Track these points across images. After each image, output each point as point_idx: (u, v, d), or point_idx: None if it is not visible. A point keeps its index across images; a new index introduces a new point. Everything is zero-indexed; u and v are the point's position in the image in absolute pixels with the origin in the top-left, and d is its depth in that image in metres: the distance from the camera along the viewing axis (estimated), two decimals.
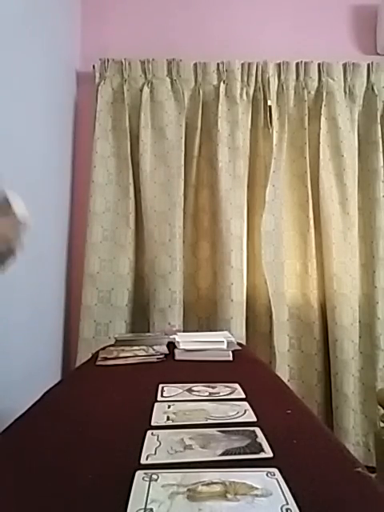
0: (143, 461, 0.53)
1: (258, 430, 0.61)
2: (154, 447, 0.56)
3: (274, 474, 0.48)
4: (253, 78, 1.99)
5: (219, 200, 1.89)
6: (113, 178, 1.96)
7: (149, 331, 1.82)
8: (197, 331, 1.81)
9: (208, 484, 0.46)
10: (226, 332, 1.40)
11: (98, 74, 1.98)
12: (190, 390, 0.83)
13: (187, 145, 1.96)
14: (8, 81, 1.30)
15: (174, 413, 0.70)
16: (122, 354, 1.19)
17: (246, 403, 0.74)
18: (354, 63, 2.02)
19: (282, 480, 0.47)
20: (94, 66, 1.99)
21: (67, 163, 1.97)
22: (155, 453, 0.55)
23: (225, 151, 1.93)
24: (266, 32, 2.10)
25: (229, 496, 0.44)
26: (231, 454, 0.54)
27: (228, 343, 1.19)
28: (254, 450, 0.55)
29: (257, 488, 0.45)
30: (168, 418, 0.68)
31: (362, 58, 2.09)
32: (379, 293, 1.89)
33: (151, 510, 0.42)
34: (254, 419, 0.66)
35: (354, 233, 1.94)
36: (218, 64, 1.99)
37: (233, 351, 1.17)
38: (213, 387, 0.85)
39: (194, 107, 1.99)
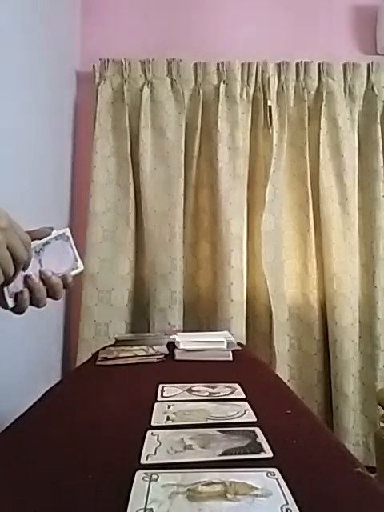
0: (143, 461, 0.53)
1: (257, 430, 0.61)
2: (154, 447, 0.56)
3: (274, 474, 0.48)
4: (253, 78, 1.99)
5: (219, 200, 1.89)
6: (113, 177, 1.96)
7: (149, 331, 1.82)
8: (197, 331, 1.81)
9: (208, 484, 0.46)
10: (225, 332, 1.40)
11: (97, 74, 1.98)
12: (190, 390, 0.83)
13: (187, 145, 1.96)
14: (8, 81, 1.30)
15: (174, 413, 0.70)
16: (122, 354, 1.19)
17: (246, 403, 0.74)
18: (353, 63, 2.02)
19: (282, 480, 0.47)
20: (93, 66, 1.99)
21: (67, 163, 1.97)
22: (155, 453, 0.55)
23: (225, 151, 1.93)
24: (266, 32, 2.10)
25: (229, 496, 0.44)
26: (231, 454, 0.54)
27: (228, 343, 1.19)
28: (254, 450, 0.55)
29: (257, 488, 0.45)
30: (168, 418, 0.68)
31: (362, 57, 2.09)
32: (379, 293, 1.89)
33: (151, 509, 0.42)
34: (254, 419, 0.66)
35: (354, 233, 1.94)
36: (217, 64, 1.99)
37: (233, 351, 1.17)
38: (213, 387, 0.85)
39: (194, 107, 1.99)
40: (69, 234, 0.65)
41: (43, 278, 0.60)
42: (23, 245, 0.53)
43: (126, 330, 1.87)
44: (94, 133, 1.94)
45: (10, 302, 0.57)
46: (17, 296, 0.57)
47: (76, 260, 0.66)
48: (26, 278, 0.58)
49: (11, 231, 0.51)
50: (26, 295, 0.58)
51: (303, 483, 0.47)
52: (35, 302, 0.59)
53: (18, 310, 0.58)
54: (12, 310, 0.58)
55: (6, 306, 0.57)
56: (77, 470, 0.52)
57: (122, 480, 0.48)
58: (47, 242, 0.62)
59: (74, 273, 0.65)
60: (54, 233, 0.64)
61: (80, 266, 0.66)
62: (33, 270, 0.59)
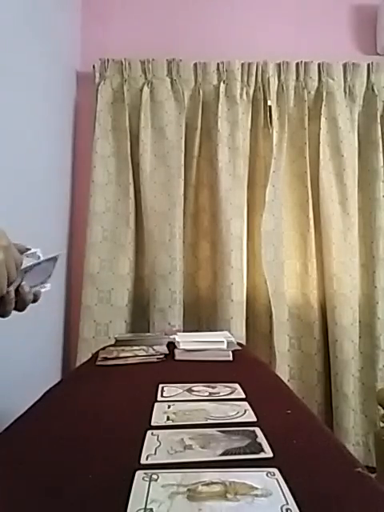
0: (143, 461, 0.53)
1: (257, 430, 0.61)
2: (154, 447, 0.56)
3: (274, 474, 0.48)
4: (253, 78, 1.99)
5: (219, 200, 1.89)
6: (113, 178, 1.96)
7: (149, 331, 1.82)
8: (197, 331, 1.81)
9: (208, 484, 0.46)
10: (225, 332, 1.40)
11: (97, 74, 1.98)
12: (190, 390, 0.83)
13: (187, 145, 1.96)
14: (8, 81, 1.30)
15: (174, 413, 0.70)
16: (122, 354, 1.19)
17: (246, 403, 0.74)
18: (353, 63, 2.02)
19: (282, 480, 0.47)
20: (94, 66, 1.99)
21: (67, 163, 1.97)
22: (155, 453, 0.55)
23: (225, 151, 1.93)
24: (266, 32, 2.10)
25: (229, 496, 0.44)
26: (231, 454, 0.54)
27: (228, 343, 1.19)
28: (254, 450, 0.55)
29: (257, 488, 0.45)
30: (168, 418, 0.68)
31: (362, 57, 2.09)
32: (379, 293, 1.89)
33: (151, 510, 0.42)
34: (254, 419, 0.66)
35: (354, 233, 1.94)
36: (218, 64, 1.99)
37: (233, 351, 1.17)
38: (213, 387, 0.85)
39: (194, 107, 1.99)
40: (58, 256, 0.66)
41: (20, 292, 0.60)
42: (15, 265, 0.56)
43: (126, 330, 1.87)
44: (93, 133, 1.94)
45: None
46: None
47: (49, 276, 0.67)
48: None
49: (9, 251, 0.54)
50: None
51: (303, 483, 0.47)
52: (1, 313, 0.60)
53: None
54: None
55: None
56: (77, 470, 0.52)
57: (122, 480, 0.48)
58: (39, 264, 0.63)
59: (43, 290, 0.66)
60: (50, 255, 0.64)
61: (48, 286, 0.67)
62: (13, 285, 0.59)
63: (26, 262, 0.61)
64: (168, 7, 2.13)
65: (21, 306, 0.61)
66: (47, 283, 0.67)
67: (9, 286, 0.56)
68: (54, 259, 0.65)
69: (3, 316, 0.60)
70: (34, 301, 0.63)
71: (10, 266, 0.54)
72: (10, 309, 0.59)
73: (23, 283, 0.60)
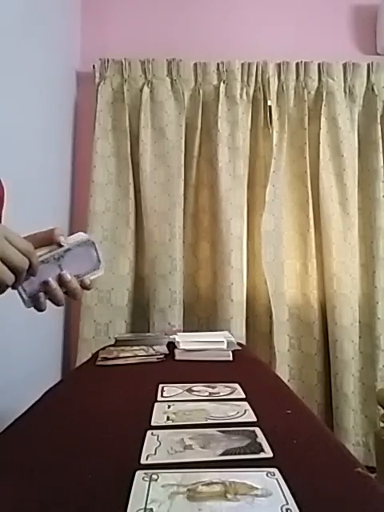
0: (143, 461, 0.53)
1: (257, 430, 0.61)
2: (154, 447, 0.56)
3: (274, 474, 0.48)
4: (253, 78, 1.99)
5: (219, 200, 1.89)
6: (113, 177, 1.96)
7: (149, 331, 1.82)
8: (197, 331, 1.81)
9: (208, 484, 0.46)
10: (225, 332, 1.40)
11: (98, 74, 1.98)
12: (190, 390, 0.83)
13: (187, 145, 1.96)
14: (8, 81, 1.30)
15: (174, 413, 0.70)
16: (122, 354, 1.19)
17: (246, 403, 0.74)
18: (354, 63, 2.02)
19: (282, 480, 0.47)
20: (94, 66, 1.99)
21: (67, 163, 1.97)
22: (155, 453, 0.55)
23: (225, 151, 1.93)
24: (266, 32, 2.10)
25: (229, 496, 0.44)
26: (231, 454, 0.54)
27: (228, 343, 1.19)
28: (254, 450, 0.55)
29: (257, 488, 0.45)
30: (168, 418, 0.68)
31: (362, 58, 2.09)
32: (379, 293, 1.89)
33: (151, 509, 0.42)
34: (254, 419, 0.66)
35: (354, 233, 1.94)
36: (217, 64, 1.99)
37: (233, 351, 1.17)
38: (213, 387, 0.85)
39: (194, 107, 1.99)
40: (93, 239, 0.68)
41: (62, 282, 0.63)
42: (22, 253, 0.56)
43: (126, 330, 1.87)
44: (94, 133, 1.94)
45: (28, 302, 0.61)
46: (35, 297, 0.61)
47: (99, 261, 0.69)
48: (44, 283, 0.61)
49: (3, 243, 0.54)
50: (43, 299, 0.61)
51: (303, 483, 0.47)
52: (55, 302, 0.63)
53: (37, 309, 0.62)
54: (34, 307, 0.62)
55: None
56: (77, 470, 0.52)
57: (122, 480, 0.48)
58: (69, 249, 0.65)
59: (93, 277, 0.68)
60: (79, 239, 0.66)
61: (100, 270, 0.69)
62: (52, 275, 0.62)
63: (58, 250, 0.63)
64: (168, 7, 2.13)
65: (70, 294, 0.64)
66: (99, 270, 0.69)
67: (33, 274, 0.59)
68: (88, 243, 0.67)
69: (57, 305, 0.64)
70: (85, 288, 0.66)
71: (9, 257, 0.54)
72: (58, 299, 0.63)
73: (63, 272, 0.63)
